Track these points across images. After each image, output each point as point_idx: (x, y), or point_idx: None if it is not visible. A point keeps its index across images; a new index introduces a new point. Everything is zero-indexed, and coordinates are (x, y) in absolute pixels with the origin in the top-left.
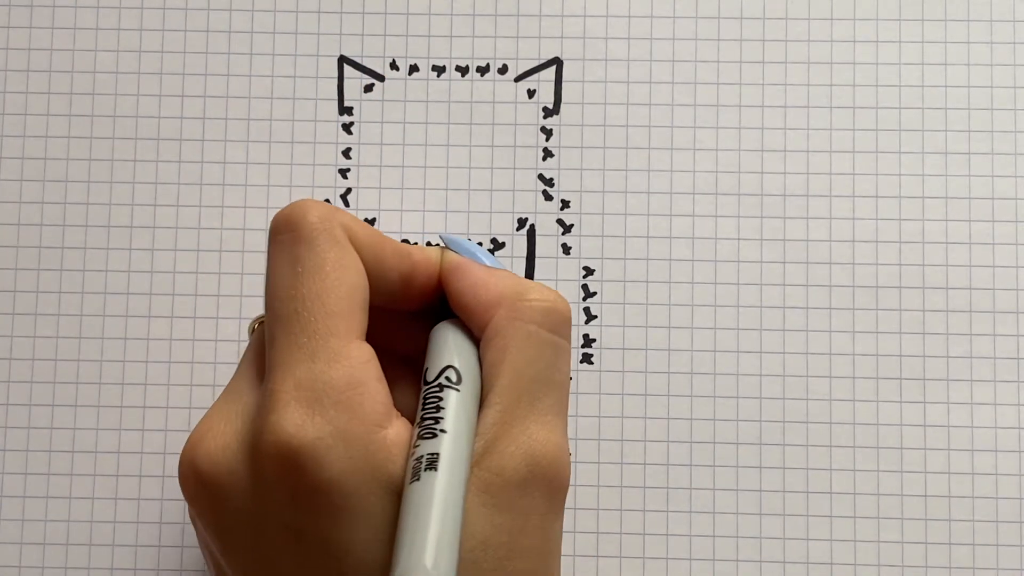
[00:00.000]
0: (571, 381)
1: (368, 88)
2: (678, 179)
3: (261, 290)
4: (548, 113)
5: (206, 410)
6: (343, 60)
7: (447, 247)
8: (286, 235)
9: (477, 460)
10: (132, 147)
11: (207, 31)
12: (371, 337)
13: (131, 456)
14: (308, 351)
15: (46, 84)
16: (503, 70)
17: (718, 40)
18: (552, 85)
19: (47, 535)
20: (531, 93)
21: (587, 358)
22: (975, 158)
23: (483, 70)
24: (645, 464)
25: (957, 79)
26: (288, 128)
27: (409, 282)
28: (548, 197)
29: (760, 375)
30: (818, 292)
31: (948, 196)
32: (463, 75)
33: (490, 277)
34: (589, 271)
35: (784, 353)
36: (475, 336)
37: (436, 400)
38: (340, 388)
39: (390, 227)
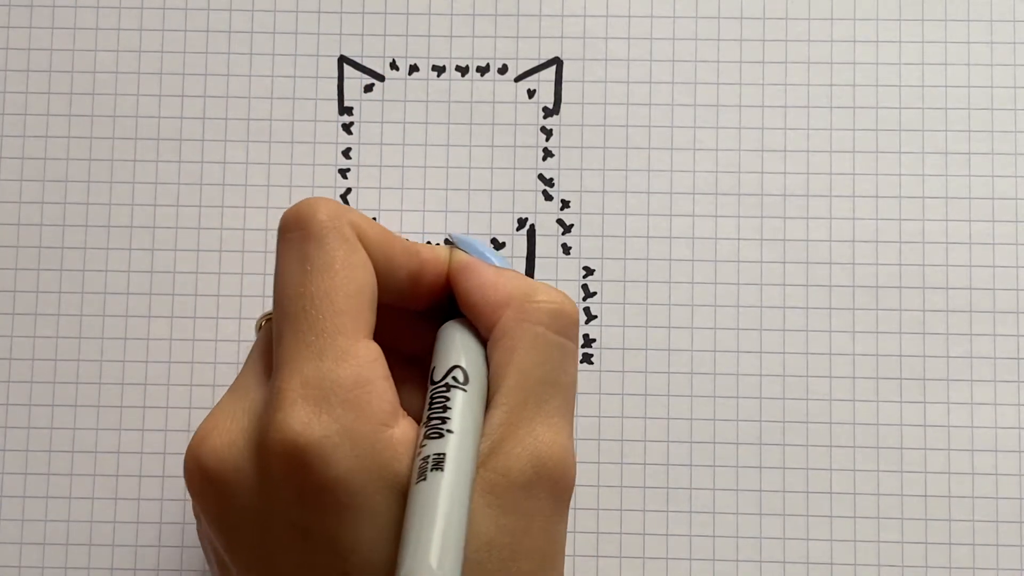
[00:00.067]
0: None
1: (368, 88)
2: (678, 179)
3: (261, 290)
4: (548, 113)
5: (206, 410)
6: (343, 60)
7: (456, 246)
8: (295, 233)
9: (483, 461)
10: (132, 147)
11: (207, 31)
12: (378, 336)
13: (131, 456)
14: (316, 349)
15: (46, 84)
16: (503, 70)
17: (718, 40)
18: (552, 85)
19: (47, 535)
20: (531, 93)
21: (587, 358)
22: (975, 158)
23: (483, 70)
24: (645, 464)
25: (957, 79)
26: (288, 128)
27: (417, 281)
28: (548, 197)
29: (760, 375)
30: (818, 292)
31: (948, 196)
32: (463, 75)
33: (498, 277)
34: (589, 271)
35: (784, 353)
36: (482, 336)
37: (443, 400)
38: (347, 386)
39: (390, 227)
